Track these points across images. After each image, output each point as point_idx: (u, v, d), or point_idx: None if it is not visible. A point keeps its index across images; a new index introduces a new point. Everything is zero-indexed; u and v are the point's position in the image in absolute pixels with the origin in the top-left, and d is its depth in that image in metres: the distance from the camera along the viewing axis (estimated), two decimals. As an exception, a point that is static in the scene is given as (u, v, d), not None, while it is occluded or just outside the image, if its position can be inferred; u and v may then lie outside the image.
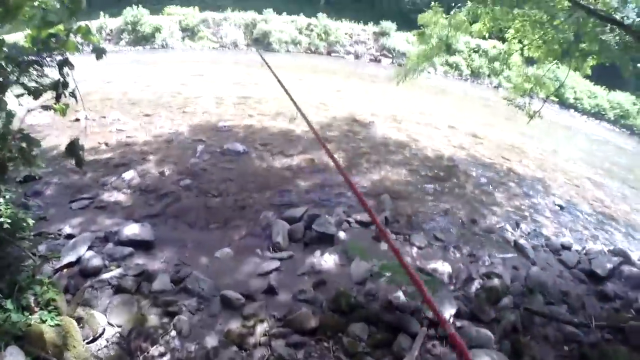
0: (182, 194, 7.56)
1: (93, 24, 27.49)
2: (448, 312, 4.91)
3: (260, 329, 4.54)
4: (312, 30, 30.12)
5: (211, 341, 4.35)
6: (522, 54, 10.37)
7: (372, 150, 10.63)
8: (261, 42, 28.54)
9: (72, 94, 3.94)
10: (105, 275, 5.09)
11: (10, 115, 3.79)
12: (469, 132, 13.82)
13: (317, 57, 27.81)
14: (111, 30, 28.01)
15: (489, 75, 28.23)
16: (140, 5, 27.96)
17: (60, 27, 3.51)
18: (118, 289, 4.89)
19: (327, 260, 5.97)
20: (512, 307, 5.37)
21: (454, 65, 28.56)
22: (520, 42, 10.12)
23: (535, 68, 11.03)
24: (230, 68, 20.94)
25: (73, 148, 4.01)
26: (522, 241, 7.40)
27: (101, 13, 27.56)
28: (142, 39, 27.32)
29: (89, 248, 5.68)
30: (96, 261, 5.33)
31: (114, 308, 4.62)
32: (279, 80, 4.12)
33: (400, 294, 4.98)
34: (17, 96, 3.65)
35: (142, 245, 5.85)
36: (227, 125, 11.12)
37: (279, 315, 4.79)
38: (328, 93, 16.89)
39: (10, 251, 4.59)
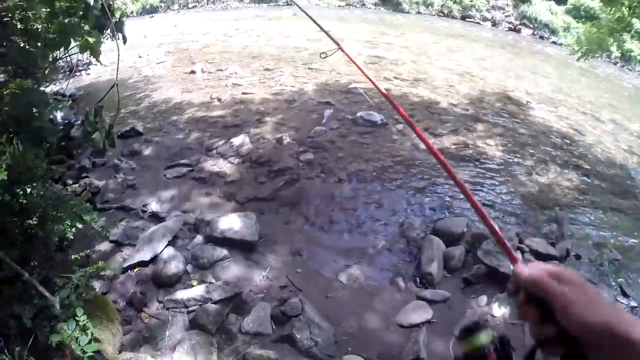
0: (301, 172, 5.64)
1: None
2: None
3: None
4: (446, -9, 26.71)
5: None
6: None
7: (534, 140, 7.76)
8: (390, 1, 25.79)
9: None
10: (181, 295, 3.38)
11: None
12: (635, 131, 10.10)
13: (450, 21, 24.35)
14: (235, -13, 27.26)
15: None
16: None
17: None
18: (194, 323, 3.09)
19: (496, 313, 3.64)
20: None
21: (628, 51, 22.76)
22: None
23: None
24: (359, 26, 18.64)
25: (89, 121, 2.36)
26: None
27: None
28: (266, -5, 26.13)
29: (172, 240, 3.99)
30: (175, 266, 3.65)
31: (183, 355, 2.83)
32: None
33: None
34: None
35: (240, 247, 4.05)
36: (359, 88, 8.95)
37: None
38: (470, 61, 13.93)
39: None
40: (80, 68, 12.51)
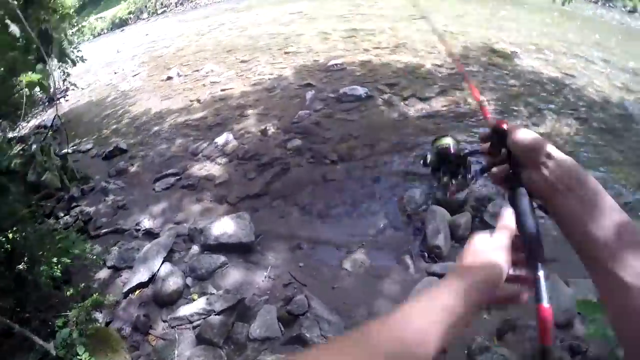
0: (290, 160, 5.43)
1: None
2: None
3: None
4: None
5: None
6: None
7: (526, 90, 7.44)
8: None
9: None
10: (184, 311, 3.24)
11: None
12: (630, 69, 9.70)
13: (424, -20, 23.73)
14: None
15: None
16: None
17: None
18: (201, 338, 2.95)
19: None
20: None
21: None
22: None
23: None
24: (330, 3, 18.21)
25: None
26: None
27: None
28: (234, -12, 25.54)
29: (168, 255, 3.84)
30: (174, 282, 3.50)
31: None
32: None
33: None
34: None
35: (237, 250, 3.88)
36: (339, 64, 8.65)
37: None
38: (449, 20, 13.51)
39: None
40: (58, 96, 12.31)
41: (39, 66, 2.76)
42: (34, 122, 10.80)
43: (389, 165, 5.14)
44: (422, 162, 1.05)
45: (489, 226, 3.83)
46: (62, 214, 5.51)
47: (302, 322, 3.05)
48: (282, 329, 3.09)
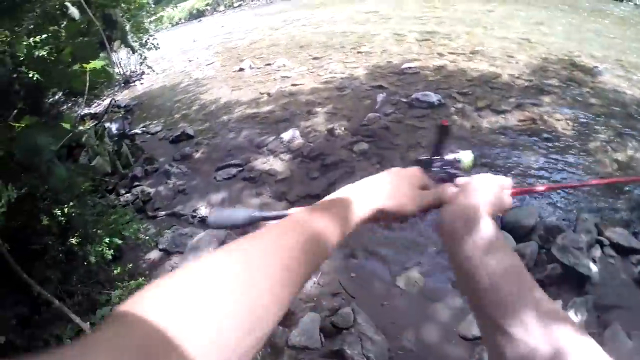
0: (356, 164, 5.20)
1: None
2: None
3: None
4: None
5: None
6: None
7: (606, 111, 6.70)
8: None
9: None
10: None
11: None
12: None
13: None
14: (277, -21, 27.22)
15: None
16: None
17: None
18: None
19: (573, 320, 2.95)
20: None
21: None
22: None
23: None
24: (405, 4, 17.79)
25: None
26: None
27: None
28: (310, -16, 25.75)
29: (220, 246, 3.72)
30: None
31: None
32: None
33: None
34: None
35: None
36: (412, 67, 8.33)
37: None
38: (528, 27, 12.73)
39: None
40: (134, 79, 12.86)
41: (103, 53, 2.69)
42: (109, 100, 11.31)
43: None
44: None
45: (555, 260, 3.43)
46: (123, 192, 5.62)
47: (345, 336, 2.82)
48: (323, 340, 2.89)
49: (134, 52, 9.31)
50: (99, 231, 2.99)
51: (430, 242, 3.92)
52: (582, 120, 6.32)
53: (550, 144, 5.58)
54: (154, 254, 4.13)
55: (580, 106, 6.84)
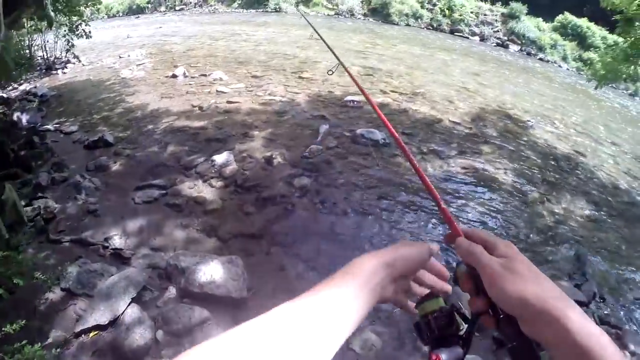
0: (296, 201, 4.79)
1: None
2: None
3: None
4: (435, 5, 26.14)
5: None
6: None
7: (541, 163, 7.08)
8: (379, 13, 25.41)
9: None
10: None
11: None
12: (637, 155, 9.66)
13: (440, 35, 23.88)
14: (224, -9, 27.01)
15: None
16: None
17: None
18: None
19: None
20: None
21: (589, 62, 22.86)
22: None
23: None
24: (349, 36, 17.99)
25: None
26: None
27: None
28: (254, 2, 25.77)
29: (137, 295, 3.13)
30: (141, 334, 2.81)
31: None
32: None
33: None
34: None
35: (224, 304, 3.18)
36: (356, 101, 8.19)
37: None
38: (465, 76, 13.39)
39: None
40: (57, 66, 11.63)
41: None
42: (26, 86, 10.04)
43: (408, 230, 4.56)
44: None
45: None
46: (23, 203, 4.75)
47: None
48: None
49: (50, 27, 8.27)
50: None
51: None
52: (521, 173, 6.52)
53: (494, 195, 5.63)
54: (55, 294, 3.35)
55: (519, 158, 7.07)
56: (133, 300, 3.05)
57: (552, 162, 7.31)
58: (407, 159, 1.03)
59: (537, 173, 6.69)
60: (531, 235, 4.90)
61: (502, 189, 5.84)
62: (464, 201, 5.34)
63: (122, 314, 2.93)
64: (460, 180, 5.86)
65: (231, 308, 3.18)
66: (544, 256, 4.56)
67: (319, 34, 2.39)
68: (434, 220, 4.75)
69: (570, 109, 12.25)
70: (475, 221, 4.97)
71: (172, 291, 3.27)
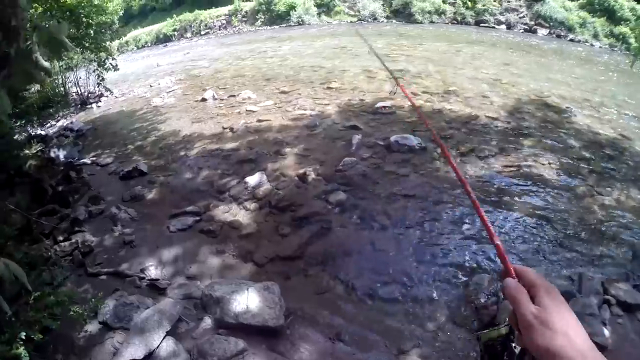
0: (333, 218, 4.60)
1: (227, 8, 27.52)
2: None
3: None
4: (456, -2, 25.89)
5: None
6: None
7: (587, 152, 6.49)
8: (402, 13, 25.19)
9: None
10: None
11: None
12: None
13: (465, 28, 23.34)
14: (246, 12, 27.61)
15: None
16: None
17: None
18: None
19: None
20: None
21: (621, 37, 21.69)
22: None
23: None
24: (373, 40, 17.73)
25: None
26: None
27: (235, -3, 27.10)
28: (277, 18, 26.06)
29: (173, 327, 3.01)
30: (176, 371, 2.62)
31: None
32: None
33: None
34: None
35: (261, 334, 3.02)
36: (387, 107, 7.95)
37: None
38: (496, 68, 12.88)
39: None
40: (91, 100, 11.99)
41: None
42: (63, 122, 10.37)
43: (452, 238, 4.27)
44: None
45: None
46: (61, 238, 4.77)
47: None
48: None
49: (49, 76, 8.48)
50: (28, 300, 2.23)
51: (425, 315, 3.34)
52: (567, 164, 6.09)
53: (540, 193, 5.23)
54: (93, 327, 3.32)
55: (562, 148, 6.63)
56: (168, 333, 2.93)
57: (597, 150, 6.79)
58: (459, 180, 1.05)
59: (583, 163, 6.22)
60: (582, 235, 4.48)
61: (547, 186, 5.44)
62: (507, 205, 4.97)
63: (157, 347, 2.81)
64: (502, 180, 5.51)
65: (268, 337, 3.02)
66: (597, 256, 4.16)
67: (375, 53, 2.29)
68: (479, 236, 4.41)
69: (608, 89, 11.54)
70: (519, 227, 4.58)
71: (207, 322, 3.14)
